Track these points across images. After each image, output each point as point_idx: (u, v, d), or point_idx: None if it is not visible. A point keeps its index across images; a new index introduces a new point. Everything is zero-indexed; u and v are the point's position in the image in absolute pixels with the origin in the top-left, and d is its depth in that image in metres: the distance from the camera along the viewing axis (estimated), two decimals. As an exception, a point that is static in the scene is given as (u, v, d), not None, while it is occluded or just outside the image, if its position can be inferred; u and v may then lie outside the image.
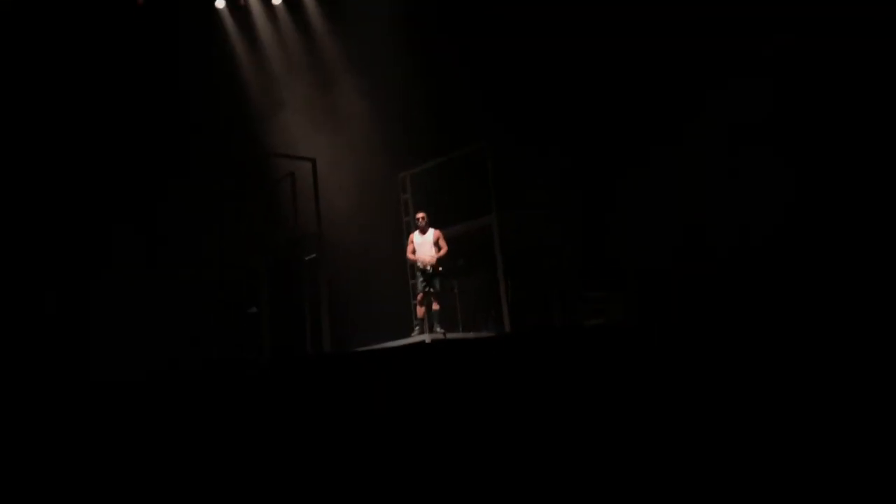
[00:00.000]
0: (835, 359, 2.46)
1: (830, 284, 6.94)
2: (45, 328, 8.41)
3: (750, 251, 7.92)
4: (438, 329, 8.93)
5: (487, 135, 9.71)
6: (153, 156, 9.58)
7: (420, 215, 9.53)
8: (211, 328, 9.32)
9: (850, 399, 2.37)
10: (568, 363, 2.43)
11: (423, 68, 10.33)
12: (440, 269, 9.19)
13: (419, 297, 9.28)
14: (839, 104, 7.46)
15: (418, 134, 10.51)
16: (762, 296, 7.39)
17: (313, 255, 9.70)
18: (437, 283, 9.14)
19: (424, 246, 9.31)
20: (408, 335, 9.22)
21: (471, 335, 9.19)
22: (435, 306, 9.12)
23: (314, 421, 2.32)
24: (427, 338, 8.80)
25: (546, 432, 2.27)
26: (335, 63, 11.48)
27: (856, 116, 7.35)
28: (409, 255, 9.42)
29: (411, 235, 9.49)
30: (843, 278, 6.84)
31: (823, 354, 2.46)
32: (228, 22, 11.47)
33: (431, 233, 9.36)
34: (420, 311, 9.26)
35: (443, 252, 9.26)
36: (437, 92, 10.25)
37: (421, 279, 9.18)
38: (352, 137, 11.26)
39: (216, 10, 11.34)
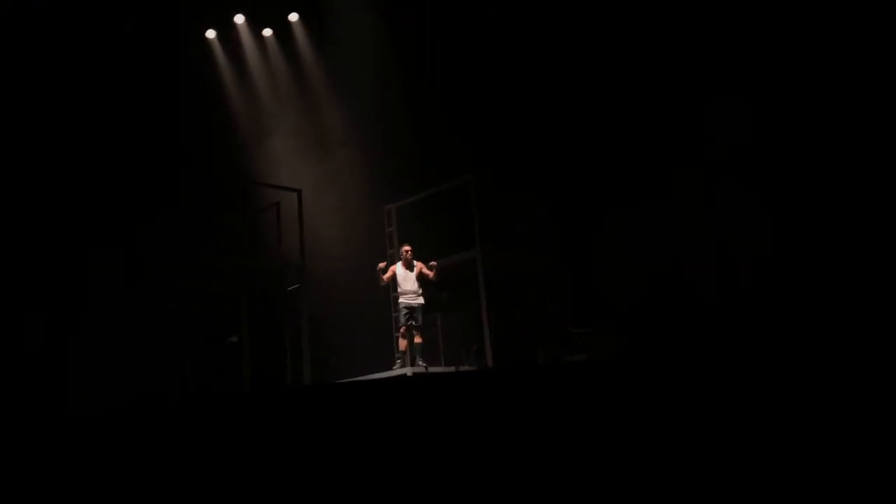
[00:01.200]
0: (815, 396, 2.46)
1: (811, 319, 6.99)
2: (24, 359, 8.27)
3: (731, 288, 7.97)
4: (420, 362, 8.86)
5: (473, 168, 9.77)
6: (137, 183, 9.53)
7: (406, 248, 9.46)
8: (191, 358, 9.21)
9: (831, 434, 2.37)
10: (550, 400, 2.41)
11: (409, 101, 10.41)
12: (423, 303, 9.16)
13: (402, 330, 9.21)
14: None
15: (404, 167, 10.55)
16: (745, 332, 7.42)
17: (296, 286, 9.64)
18: (419, 316, 9.09)
19: (409, 280, 9.24)
20: (389, 368, 9.14)
21: (452, 369, 9.12)
22: (417, 339, 9.05)
23: (292, 453, 2.28)
24: (409, 371, 8.73)
25: (525, 468, 2.24)
26: (323, 94, 11.56)
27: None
28: (384, 278, 9.28)
29: (394, 266, 9.41)
30: (824, 313, 6.90)
31: (803, 390, 2.46)
32: (218, 52, 11.53)
33: (415, 267, 9.30)
34: (402, 344, 9.19)
35: (431, 275, 9.18)
36: (424, 125, 10.32)
37: (404, 312, 9.11)
38: (338, 169, 11.29)
39: (206, 40, 11.42)
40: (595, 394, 2.42)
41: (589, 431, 2.33)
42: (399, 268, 9.34)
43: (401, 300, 9.19)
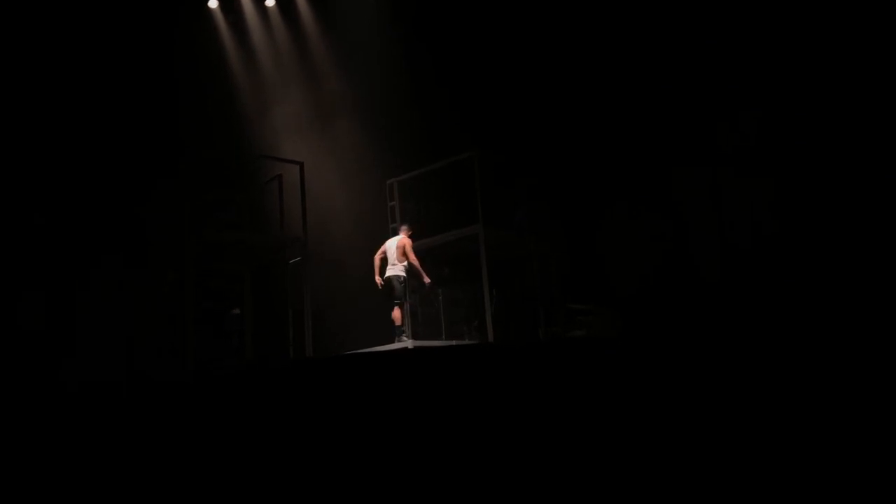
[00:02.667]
0: (814, 376, 2.48)
1: (806, 303, 7.02)
2: (26, 331, 8.30)
3: (731, 269, 7.99)
4: (403, 338, 8.90)
5: (476, 145, 9.73)
6: (137, 158, 9.49)
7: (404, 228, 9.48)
8: (194, 331, 9.24)
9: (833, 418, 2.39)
10: (548, 375, 2.43)
11: (413, 75, 10.34)
12: (398, 274, 9.17)
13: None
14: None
15: (407, 141, 10.51)
16: (744, 312, 7.45)
17: (298, 259, 9.64)
18: (396, 286, 9.10)
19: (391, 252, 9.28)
20: (392, 341, 9.18)
21: (453, 343, 9.15)
22: (395, 314, 9.10)
23: (296, 425, 2.31)
24: (410, 344, 8.77)
25: (524, 440, 2.27)
26: (326, 66, 11.48)
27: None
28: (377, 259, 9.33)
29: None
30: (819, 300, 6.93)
31: (802, 376, 2.48)
32: (220, 22, 11.44)
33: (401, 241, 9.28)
34: (398, 317, 9.19)
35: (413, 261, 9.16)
36: (428, 100, 10.27)
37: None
38: (340, 143, 11.24)
39: (209, 10, 11.32)
40: (593, 370, 2.44)
41: (586, 408, 2.36)
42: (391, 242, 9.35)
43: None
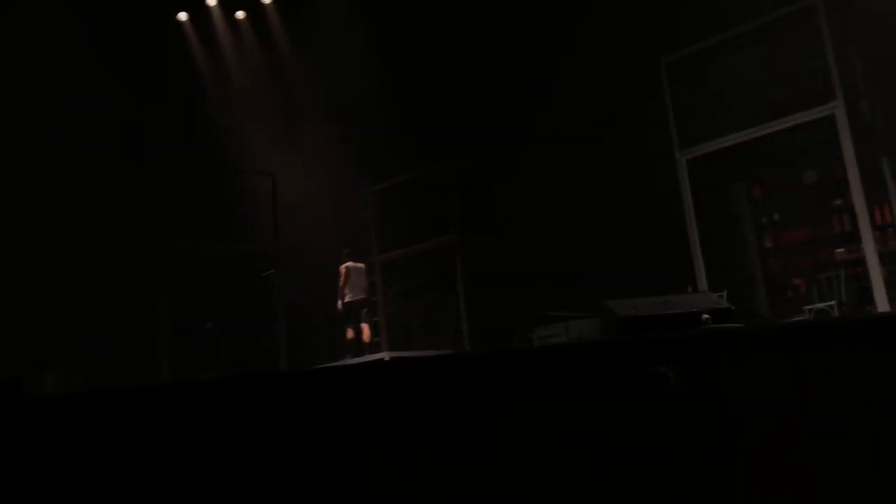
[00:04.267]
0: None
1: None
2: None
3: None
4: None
5: (452, 154, 9.72)
6: (108, 168, 9.35)
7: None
8: (166, 345, 9.09)
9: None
10: (527, 381, 2.37)
11: (389, 84, 10.30)
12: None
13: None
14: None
15: (382, 151, 10.47)
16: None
17: (271, 271, 9.57)
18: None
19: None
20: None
21: (430, 353, 9.10)
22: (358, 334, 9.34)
23: (267, 442, 2.23)
24: (386, 355, 8.71)
25: (502, 448, 2.21)
26: (298, 76, 11.41)
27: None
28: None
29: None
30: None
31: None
32: (190, 34, 11.32)
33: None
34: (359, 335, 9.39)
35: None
36: (404, 108, 10.24)
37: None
38: (314, 153, 11.17)
39: (178, 22, 11.20)
40: (572, 376, 2.39)
41: (565, 414, 2.30)
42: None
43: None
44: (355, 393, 2.25)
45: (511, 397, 2.27)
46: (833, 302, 8.04)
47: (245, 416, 2.26)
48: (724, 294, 7.19)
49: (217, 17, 11.42)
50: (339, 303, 9.56)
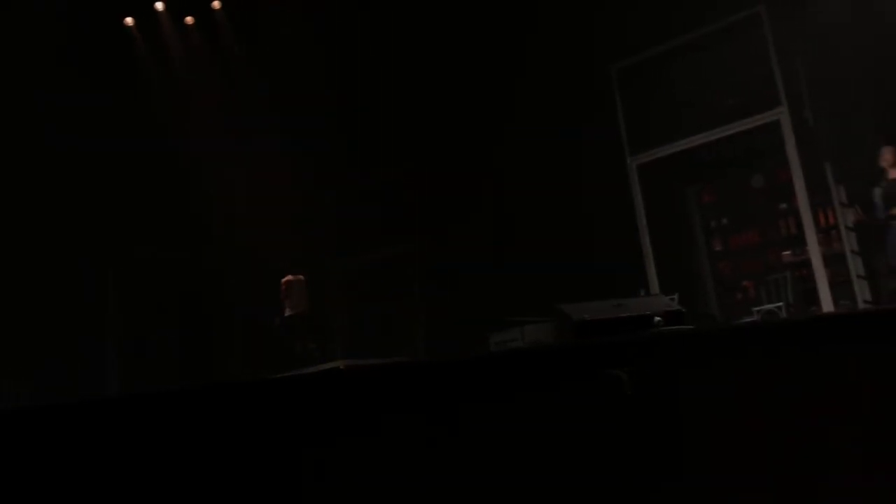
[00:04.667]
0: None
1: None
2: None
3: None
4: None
5: (411, 161, 9.71)
6: (63, 176, 9.11)
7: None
8: (119, 355, 8.92)
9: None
10: (487, 387, 2.37)
11: (344, 93, 10.24)
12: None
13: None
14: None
15: (338, 160, 10.41)
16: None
17: (226, 279, 9.45)
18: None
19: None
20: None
21: (387, 361, 9.05)
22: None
23: (217, 454, 2.18)
24: (341, 364, 8.64)
25: (454, 460, 2.20)
26: (250, 80, 11.26)
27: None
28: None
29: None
30: None
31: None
32: (138, 41, 11.08)
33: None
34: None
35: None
36: (360, 117, 10.20)
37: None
38: (267, 159, 11.03)
39: (126, 28, 10.95)
40: (528, 381, 2.40)
41: (521, 419, 2.31)
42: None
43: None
44: (309, 402, 2.22)
45: (467, 404, 2.26)
46: (781, 303, 8.24)
47: (194, 427, 2.21)
48: (676, 297, 7.31)
49: (165, 22, 11.21)
50: (277, 318, 9.33)
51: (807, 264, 8.19)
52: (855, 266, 7.81)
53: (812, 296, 8.10)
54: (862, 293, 7.71)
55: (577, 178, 8.86)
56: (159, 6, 11.06)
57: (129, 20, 10.99)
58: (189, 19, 11.31)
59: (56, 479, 1.98)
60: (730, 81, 8.60)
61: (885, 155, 7.23)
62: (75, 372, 8.52)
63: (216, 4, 11.22)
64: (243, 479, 2.06)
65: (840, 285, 7.84)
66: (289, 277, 9.37)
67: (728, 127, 8.51)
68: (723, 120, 8.55)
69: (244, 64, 11.13)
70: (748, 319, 8.17)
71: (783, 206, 8.90)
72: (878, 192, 7.26)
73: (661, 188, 9.33)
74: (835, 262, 7.97)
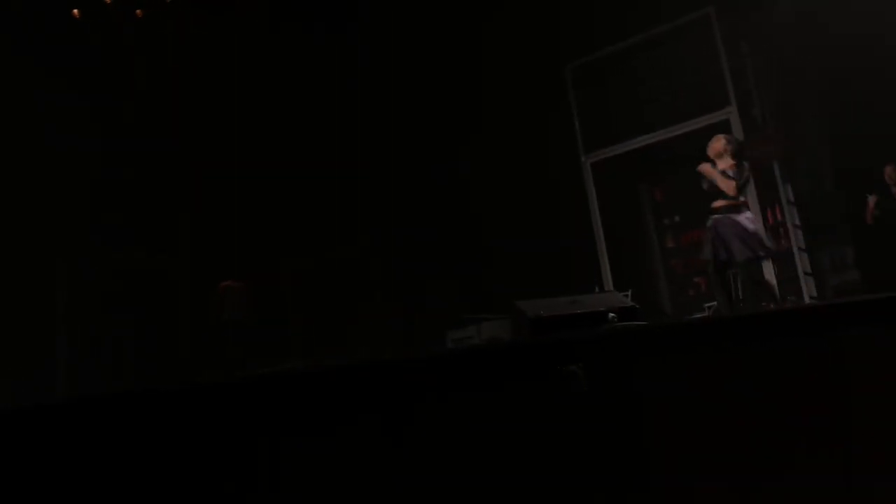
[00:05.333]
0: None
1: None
2: None
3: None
4: None
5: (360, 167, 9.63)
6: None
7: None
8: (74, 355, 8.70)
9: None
10: (436, 388, 2.35)
11: (301, 89, 10.10)
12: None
13: None
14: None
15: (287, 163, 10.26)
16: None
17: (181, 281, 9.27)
18: None
19: None
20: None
21: (340, 362, 8.98)
22: None
23: (170, 459, 2.13)
24: (296, 364, 8.55)
25: (409, 459, 2.18)
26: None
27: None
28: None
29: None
30: None
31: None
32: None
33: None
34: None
35: None
36: (317, 115, 10.06)
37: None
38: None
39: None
40: (484, 378, 2.39)
41: (477, 416, 2.30)
42: None
43: None
44: (261, 403, 2.18)
45: (423, 403, 2.25)
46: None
47: (155, 430, 2.16)
48: (629, 293, 7.41)
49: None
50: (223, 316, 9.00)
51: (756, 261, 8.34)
52: (802, 263, 8.00)
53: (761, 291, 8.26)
54: (809, 289, 7.90)
55: (536, 177, 8.91)
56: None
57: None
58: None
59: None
60: (683, 81, 8.74)
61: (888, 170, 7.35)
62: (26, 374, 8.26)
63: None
64: (187, 486, 2.01)
65: (788, 281, 8.02)
66: (227, 283, 9.06)
67: (680, 126, 8.64)
68: (675, 119, 8.68)
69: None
70: (699, 315, 8.31)
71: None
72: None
73: (615, 186, 9.43)
74: (782, 258, 8.15)
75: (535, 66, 9.14)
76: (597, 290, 8.33)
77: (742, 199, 6.37)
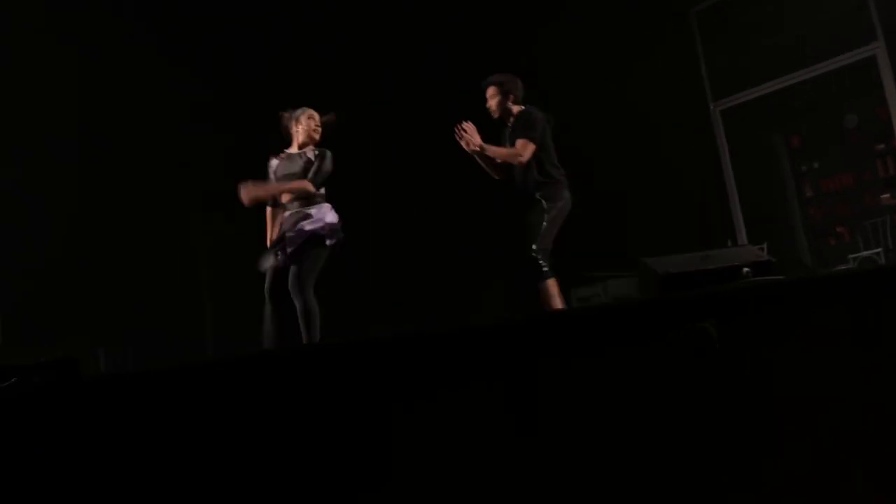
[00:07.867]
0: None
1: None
2: None
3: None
4: None
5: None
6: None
7: None
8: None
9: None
10: (565, 347, 2.35)
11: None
12: None
13: None
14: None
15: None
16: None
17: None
18: None
19: None
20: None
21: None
22: None
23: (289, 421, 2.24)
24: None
25: (540, 422, 2.20)
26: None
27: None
28: None
29: None
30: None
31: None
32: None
33: None
34: None
35: None
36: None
37: None
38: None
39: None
40: (613, 338, 2.37)
41: (608, 376, 2.29)
42: None
43: None
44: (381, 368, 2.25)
45: (551, 363, 2.25)
46: (879, 249, 7.85)
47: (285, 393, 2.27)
48: (765, 246, 7.07)
49: None
50: None
51: (907, 207, 7.77)
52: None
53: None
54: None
55: (658, 128, 8.58)
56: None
57: None
58: None
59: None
60: (817, 18, 8.13)
61: None
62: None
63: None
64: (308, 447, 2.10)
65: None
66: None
67: (816, 67, 8.08)
68: (811, 60, 8.12)
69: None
70: (843, 267, 7.83)
71: (881, 146, 8.44)
72: None
73: (747, 133, 8.97)
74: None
75: (660, 10, 8.76)
76: (730, 244, 8.01)
77: None
